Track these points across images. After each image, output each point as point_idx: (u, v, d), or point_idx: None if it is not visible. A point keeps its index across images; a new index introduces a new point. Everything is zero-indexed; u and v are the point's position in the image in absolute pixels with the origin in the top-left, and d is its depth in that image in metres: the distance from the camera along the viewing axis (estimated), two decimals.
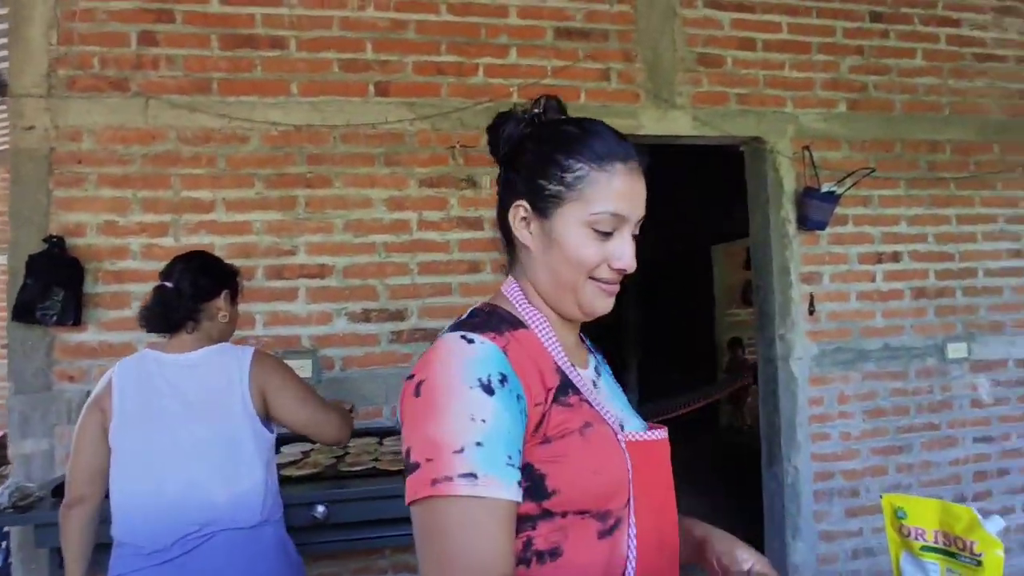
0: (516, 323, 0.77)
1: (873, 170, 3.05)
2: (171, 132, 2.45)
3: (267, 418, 1.49)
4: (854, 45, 3.17)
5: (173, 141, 2.45)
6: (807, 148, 3.03)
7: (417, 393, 0.69)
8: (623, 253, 0.77)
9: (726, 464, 4.97)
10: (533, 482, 0.69)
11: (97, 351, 2.32)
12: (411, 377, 0.72)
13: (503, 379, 0.68)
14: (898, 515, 0.99)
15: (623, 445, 0.74)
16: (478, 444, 0.64)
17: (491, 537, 0.63)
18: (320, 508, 1.77)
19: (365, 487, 1.83)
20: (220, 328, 1.57)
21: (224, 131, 2.48)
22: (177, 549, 1.34)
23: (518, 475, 0.67)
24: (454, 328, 0.75)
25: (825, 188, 2.97)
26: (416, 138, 2.64)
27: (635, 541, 0.73)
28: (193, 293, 1.51)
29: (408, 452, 0.67)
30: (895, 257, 3.20)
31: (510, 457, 0.66)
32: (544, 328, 0.79)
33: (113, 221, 2.38)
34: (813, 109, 3.10)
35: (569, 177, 0.77)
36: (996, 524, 0.90)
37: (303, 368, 2.47)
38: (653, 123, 2.89)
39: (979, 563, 0.89)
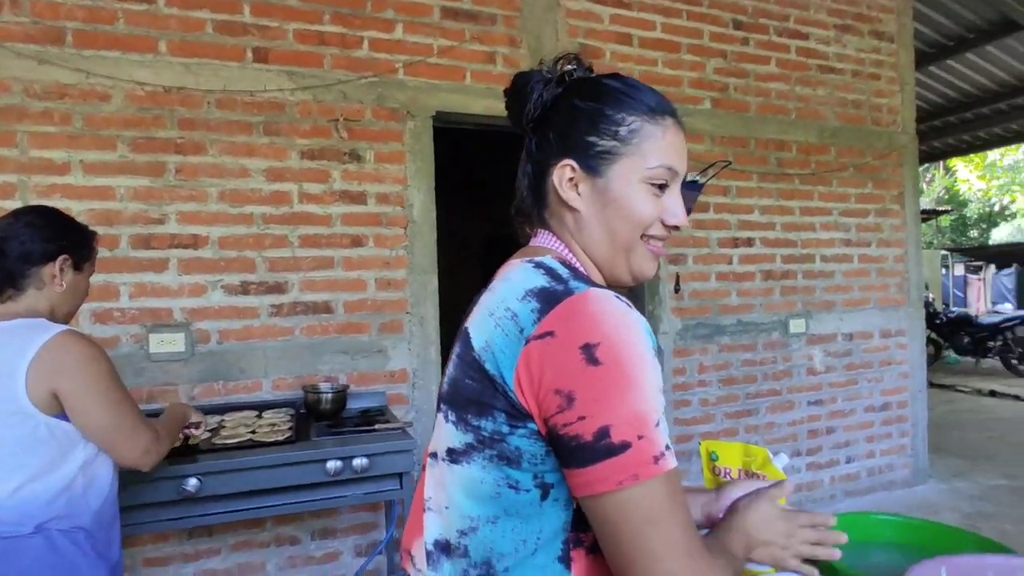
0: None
1: (730, 163, 3.38)
2: (16, 84, 2.23)
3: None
4: (718, 49, 3.48)
5: (19, 95, 2.23)
6: None
7: (595, 361, 0.59)
8: (677, 209, 0.75)
9: None
10: None
11: None
12: (549, 335, 0.61)
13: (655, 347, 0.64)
14: (712, 458, 1.16)
15: None
16: (662, 415, 0.62)
17: (686, 502, 0.62)
18: (192, 481, 1.73)
19: (241, 458, 1.80)
20: (55, 298, 1.36)
21: (81, 87, 2.29)
22: None
23: None
24: (584, 283, 0.66)
25: (690, 178, 3.25)
26: (297, 108, 2.58)
27: None
28: (18, 255, 1.31)
29: (606, 430, 0.58)
30: (749, 242, 3.57)
31: None
32: None
33: None
34: (681, 104, 3.37)
35: (623, 131, 0.73)
36: (781, 460, 1.09)
37: (175, 342, 2.37)
38: None
39: None
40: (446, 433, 0.69)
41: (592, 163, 0.73)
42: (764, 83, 3.61)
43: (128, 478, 1.64)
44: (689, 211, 3.36)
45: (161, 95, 2.38)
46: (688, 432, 3.36)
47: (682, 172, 0.75)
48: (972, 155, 12.54)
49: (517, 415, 0.63)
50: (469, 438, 0.66)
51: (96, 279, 2.29)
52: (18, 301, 1.32)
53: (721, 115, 3.48)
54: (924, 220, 12.85)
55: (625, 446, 0.58)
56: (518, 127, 0.80)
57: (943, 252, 15.18)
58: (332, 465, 1.85)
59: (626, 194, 0.72)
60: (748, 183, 3.55)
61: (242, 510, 1.84)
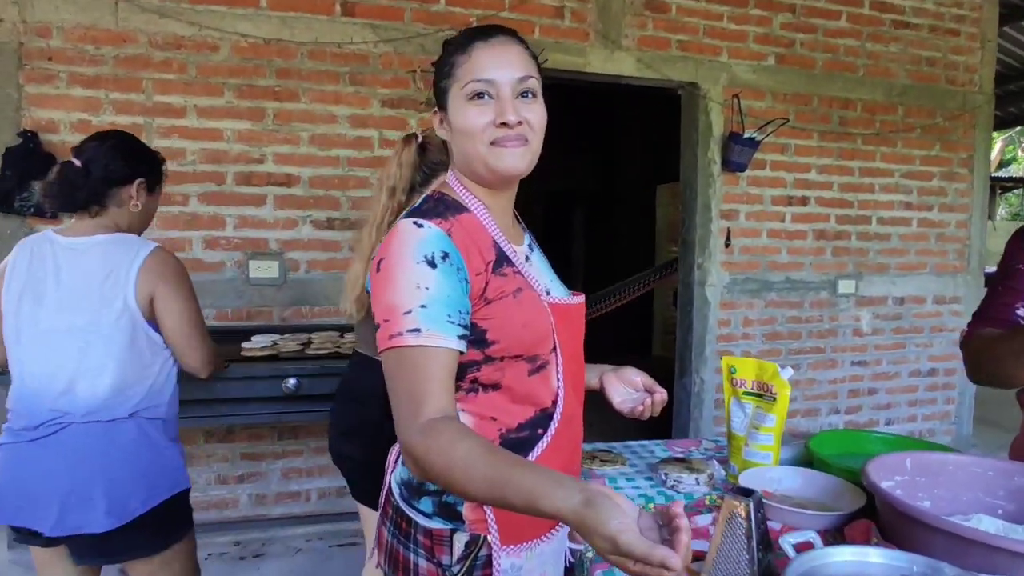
0: (460, 208, 0.92)
1: (787, 120, 3.41)
2: (142, 36, 2.54)
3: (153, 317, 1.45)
4: (787, 3, 3.47)
5: (144, 45, 2.54)
6: (736, 96, 3.35)
7: (378, 269, 0.85)
8: (501, 109, 0.89)
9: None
10: (477, 335, 0.88)
11: None
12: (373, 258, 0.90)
13: (444, 256, 0.84)
14: (731, 372, 1.38)
15: (547, 306, 0.94)
16: (422, 306, 0.81)
17: (431, 377, 0.80)
18: (292, 380, 2.07)
19: (331, 364, 2.12)
20: (130, 217, 1.49)
21: (195, 39, 2.59)
22: (41, 431, 1.37)
23: (460, 330, 0.83)
24: (408, 215, 0.90)
25: (748, 134, 3.32)
26: (379, 60, 2.81)
27: (562, 373, 0.96)
28: (102, 176, 1.42)
29: (375, 316, 0.85)
30: (803, 201, 3.62)
31: (450, 316, 0.82)
32: (482, 211, 0.94)
33: (86, 120, 2.49)
34: (745, 60, 3.41)
35: (446, 70, 0.93)
36: (787, 372, 1.30)
37: (270, 269, 2.71)
38: (600, 62, 3.14)
39: (775, 399, 1.29)
40: None
41: (442, 103, 0.94)
42: (833, 39, 3.58)
43: (237, 372, 1.99)
44: (745, 167, 3.45)
45: (261, 46, 2.66)
46: None
47: (501, 78, 0.88)
48: None
49: None
50: None
51: (207, 210, 2.66)
52: (105, 217, 1.45)
53: (785, 71, 3.49)
54: (1010, 189, 12.10)
55: (378, 327, 0.84)
56: None
57: None
58: None
59: (456, 115, 0.91)
60: (808, 141, 3.58)
61: (327, 410, 2.17)
